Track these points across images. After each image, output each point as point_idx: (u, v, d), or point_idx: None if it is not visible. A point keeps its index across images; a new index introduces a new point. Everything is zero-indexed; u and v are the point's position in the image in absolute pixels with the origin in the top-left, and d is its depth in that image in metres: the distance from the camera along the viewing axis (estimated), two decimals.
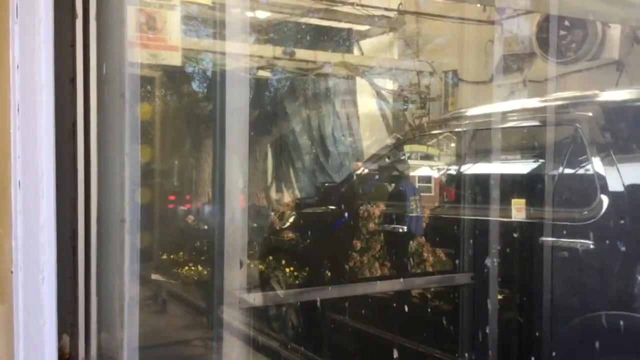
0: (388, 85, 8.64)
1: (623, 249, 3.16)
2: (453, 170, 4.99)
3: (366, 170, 5.80)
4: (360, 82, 8.74)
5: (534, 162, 4.12)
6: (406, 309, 4.35)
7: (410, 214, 5.32)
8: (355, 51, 8.90)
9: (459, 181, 4.56)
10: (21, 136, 1.25)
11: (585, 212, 3.38)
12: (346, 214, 5.57)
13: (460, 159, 4.78)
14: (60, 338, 1.27)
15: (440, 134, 5.31)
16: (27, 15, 1.24)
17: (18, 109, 1.24)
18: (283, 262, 5.62)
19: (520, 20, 6.53)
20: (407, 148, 5.47)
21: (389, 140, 7.44)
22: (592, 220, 3.32)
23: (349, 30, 8.82)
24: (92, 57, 1.34)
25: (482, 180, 4.18)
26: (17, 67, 1.24)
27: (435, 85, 8.00)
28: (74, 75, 1.32)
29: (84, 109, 1.33)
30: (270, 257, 5.78)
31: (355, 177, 6.00)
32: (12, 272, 1.24)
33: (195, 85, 9.25)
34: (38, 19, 1.25)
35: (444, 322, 4.25)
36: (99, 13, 1.34)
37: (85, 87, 1.33)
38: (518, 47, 6.62)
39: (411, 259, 5.04)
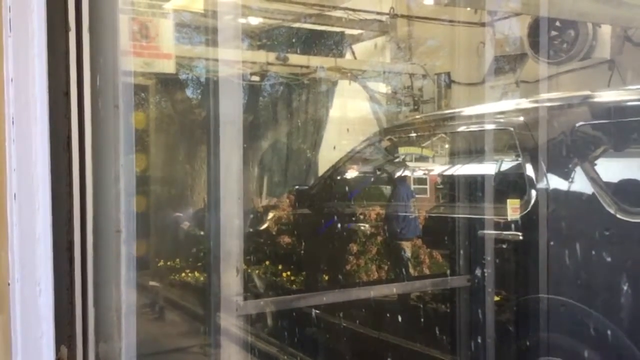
0: (381, 88, 8.65)
1: (549, 239, 3.46)
2: (409, 172, 5.66)
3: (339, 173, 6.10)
4: (354, 86, 8.76)
5: (479, 163, 4.43)
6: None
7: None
8: (348, 55, 8.91)
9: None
10: (16, 149, 1.25)
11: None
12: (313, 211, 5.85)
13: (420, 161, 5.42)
14: (58, 349, 1.28)
15: (398, 138, 5.59)
16: (21, 28, 1.25)
17: (13, 122, 1.25)
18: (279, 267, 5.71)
19: (511, 21, 6.56)
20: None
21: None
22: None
23: (342, 34, 8.84)
24: (86, 69, 1.34)
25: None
26: (12, 80, 1.25)
27: (428, 87, 8.02)
28: (67, 88, 1.32)
29: (78, 120, 1.34)
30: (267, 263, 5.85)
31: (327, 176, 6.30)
32: (9, 285, 1.24)
33: (189, 92, 9.26)
34: (31, 33, 1.25)
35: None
36: (92, 25, 1.35)
37: (80, 99, 1.34)
38: (510, 49, 6.65)
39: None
